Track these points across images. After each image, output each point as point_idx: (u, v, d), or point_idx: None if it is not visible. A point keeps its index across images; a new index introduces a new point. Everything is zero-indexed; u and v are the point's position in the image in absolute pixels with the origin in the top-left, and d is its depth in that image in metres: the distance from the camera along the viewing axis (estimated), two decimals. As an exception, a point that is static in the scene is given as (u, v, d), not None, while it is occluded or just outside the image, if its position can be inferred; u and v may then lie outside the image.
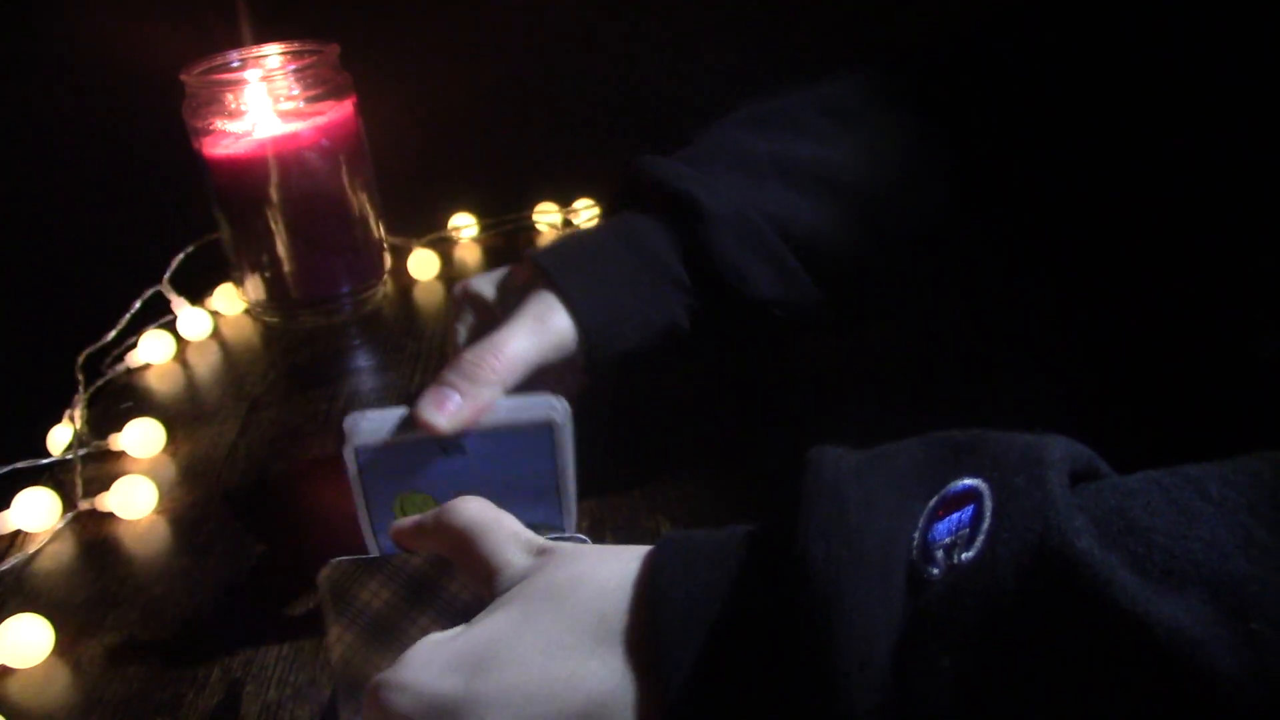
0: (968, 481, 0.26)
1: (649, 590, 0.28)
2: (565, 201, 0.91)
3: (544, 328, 0.46)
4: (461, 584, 0.36)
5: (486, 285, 0.52)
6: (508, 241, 0.89)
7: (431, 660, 0.29)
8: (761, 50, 0.89)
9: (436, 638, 0.31)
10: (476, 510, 0.34)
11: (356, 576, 0.37)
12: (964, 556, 0.24)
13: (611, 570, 0.30)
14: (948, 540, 0.25)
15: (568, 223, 0.90)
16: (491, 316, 0.50)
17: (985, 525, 0.24)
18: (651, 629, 0.27)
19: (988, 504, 0.25)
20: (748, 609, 0.27)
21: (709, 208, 0.48)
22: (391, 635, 0.37)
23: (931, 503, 0.26)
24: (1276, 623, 0.21)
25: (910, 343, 0.60)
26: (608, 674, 0.27)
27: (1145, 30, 0.47)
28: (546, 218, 0.90)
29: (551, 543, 0.33)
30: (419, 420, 0.42)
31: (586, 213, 0.90)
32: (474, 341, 0.46)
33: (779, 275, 0.49)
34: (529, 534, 0.34)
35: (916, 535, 0.25)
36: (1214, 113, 0.45)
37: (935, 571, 0.24)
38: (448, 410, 0.42)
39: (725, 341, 0.52)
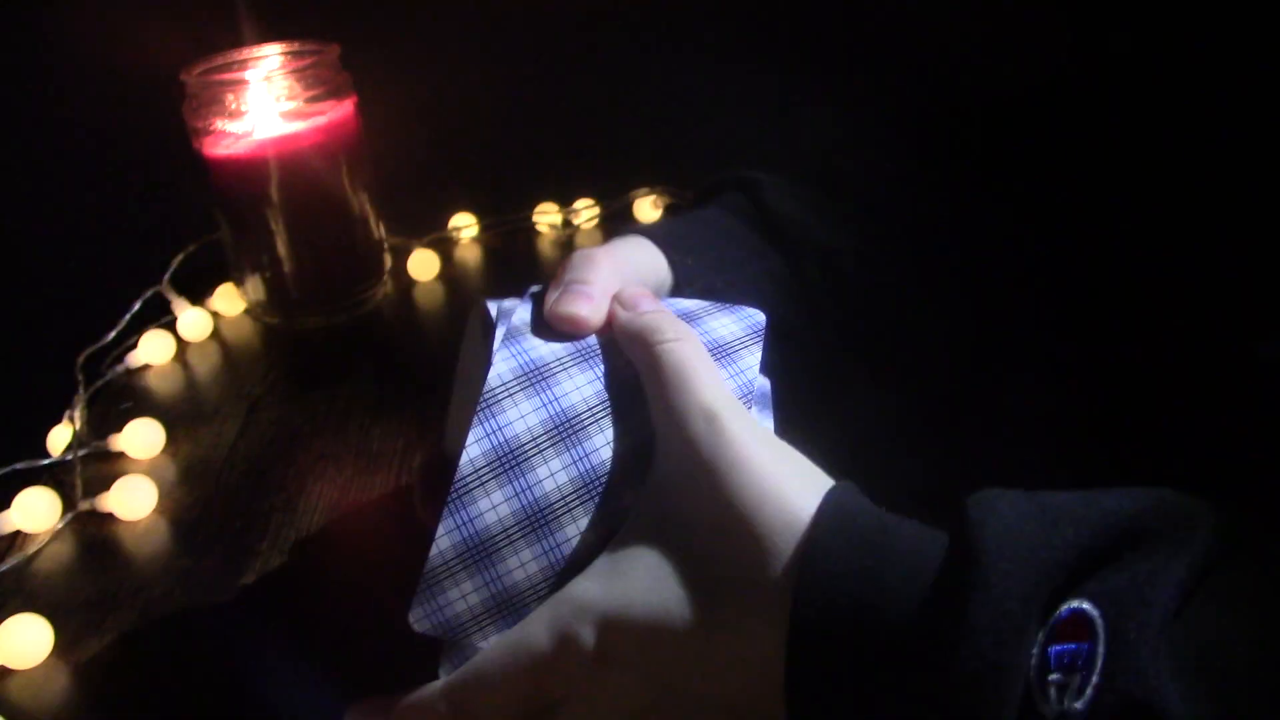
0: (1085, 607, 0.27)
1: (795, 598, 0.30)
2: (565, 201, 0.91)
3: (636, 247, 0.44)
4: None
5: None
6: (508, 241, 0.90)
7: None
8: (761, 51, 0.89)
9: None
10: (690, 352, 0.35)
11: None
12: (1074, 706, 0.26)
13: (772, 525, 0.31)
14: (1060, 678, 0.27)
15: (567, 223, 0.90)
16: None
17: (1094, 680, 0.26)
18: (787, 651, 0.30)
19: (1100, 651, 0.26)
20: (883, 680, 0.28)
21: (762, 177, 0.50)
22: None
23: (1051, 620, 0.27)
24: None
25: (916, 362, 0.60)
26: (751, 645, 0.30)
27: (1147, 32, 0.48)
28: (546, 218, 0.90)
29: (728, 415, 0.33)
30: (560, 318, 0.38)
31: (587, 213, 0.90)
32: None
33: (836, 228, 0.50)
34: (714, 396, 0.34)
35: (1035, 654, 0.27)
36: (1213, 112, 0.45)
37: (1049, 710, 0.26)
38: (589, 301, 0.38)
39: (808, 315, 0.51)
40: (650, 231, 0.46)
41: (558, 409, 0.35)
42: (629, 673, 0.32)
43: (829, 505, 0.31)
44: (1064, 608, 0.27)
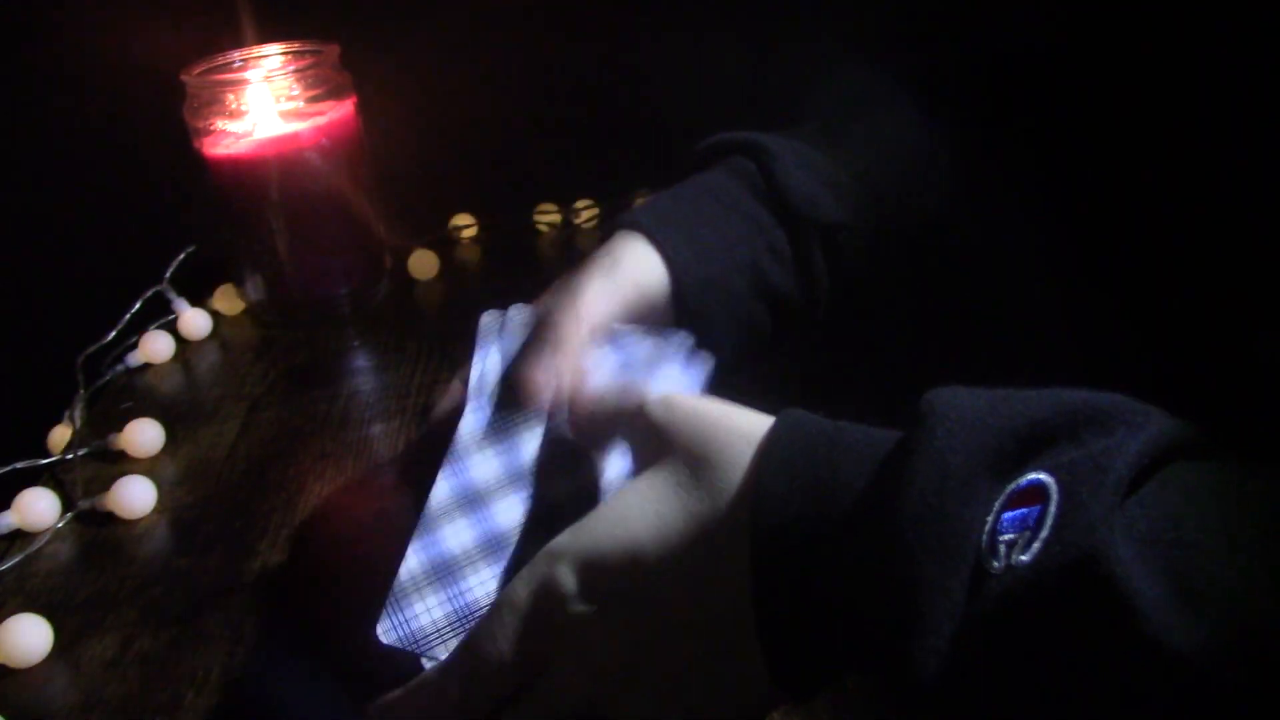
0: (1042, 477, 0.27)
1: (755, 487, 0.31)
2: (565, 201, 0.91)
3: (628, 269, 0.46)
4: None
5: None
6: (508, 242, 0.90)
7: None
8: (761, 50, 0.89)
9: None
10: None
11: None
12: (1020, 559, 0.26)
13: (731, 460, 0.33)
14: (1011, 537, 0.27)
15: (568, 223, 0.90)
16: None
17: (1043, 534, 0.26)
18: (750, 564, 0.31)
19: (1051, 509, 0.27)
20: (840, 558, 0.30)
21: (771, 145, 0.50)
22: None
23: (1009, 488, 0.28)
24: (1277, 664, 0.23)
25: (906, 342, 0.60)
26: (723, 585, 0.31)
27: (1147, 29, 0.48)
28: (546, 218, 0.90)
29: (678, 397, 0.36)
30: (523, 386, 0.42)
31: (586, 213, 0.90)
32: None
33: (842, 200, 0.50)
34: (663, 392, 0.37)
35: (990, 520, 0.27)
36: (1213, 111, 0.45)
37: (997, 565, 0.27)
38: (547, 374, 0.41)
39: (806, 292, 0.51)
40: (647, 223, 0.48)
41: (514, 461, 0.42)
42: (611, 613, 0.33)
43: (784, 416, 0.33)
44: (1022, 479, 0.27)
